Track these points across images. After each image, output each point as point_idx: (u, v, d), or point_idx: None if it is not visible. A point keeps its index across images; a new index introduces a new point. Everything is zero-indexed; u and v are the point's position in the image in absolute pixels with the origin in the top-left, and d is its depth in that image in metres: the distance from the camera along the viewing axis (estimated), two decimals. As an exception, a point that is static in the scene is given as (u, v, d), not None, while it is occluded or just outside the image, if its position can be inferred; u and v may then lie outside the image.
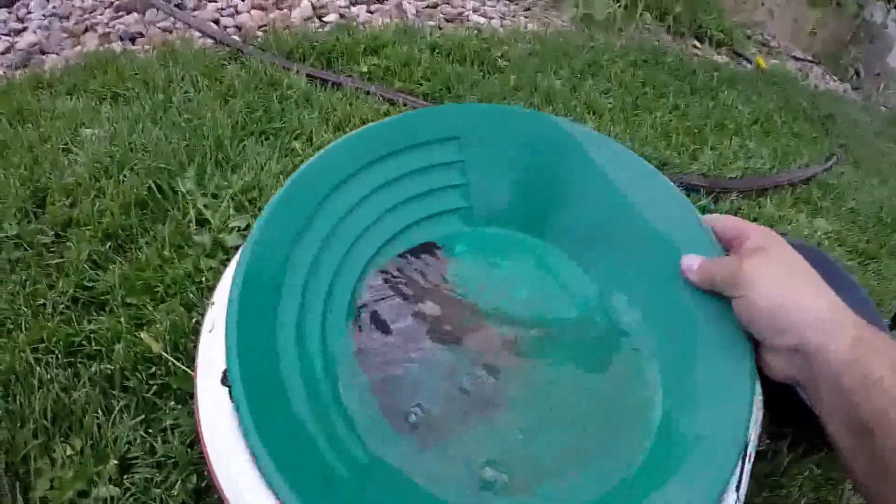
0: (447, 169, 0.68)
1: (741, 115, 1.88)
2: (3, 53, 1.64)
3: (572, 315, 0.63)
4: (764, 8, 3.25)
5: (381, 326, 0.60)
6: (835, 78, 3.55)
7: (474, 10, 2.23)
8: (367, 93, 1.36)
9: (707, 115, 1.77)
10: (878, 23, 3.80)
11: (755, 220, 1.28)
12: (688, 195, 1.24)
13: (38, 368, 0.70)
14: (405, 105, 1.33)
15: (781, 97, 2.26)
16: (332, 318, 0.59)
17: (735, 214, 1.26)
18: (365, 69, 1.49)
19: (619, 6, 2.32)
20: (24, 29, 1.76)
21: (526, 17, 2.31)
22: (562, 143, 0.67)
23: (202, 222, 0.93)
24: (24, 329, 0.76)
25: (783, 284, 0.50)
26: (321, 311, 0.58)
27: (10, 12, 1.87)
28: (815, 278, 0.51)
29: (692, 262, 0.58)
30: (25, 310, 0.78)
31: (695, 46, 2.70)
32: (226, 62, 1.44)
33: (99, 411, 0.67)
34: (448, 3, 2.25)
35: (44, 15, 1.83)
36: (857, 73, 3.73)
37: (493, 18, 2.20)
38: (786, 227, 1.32)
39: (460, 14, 2.17)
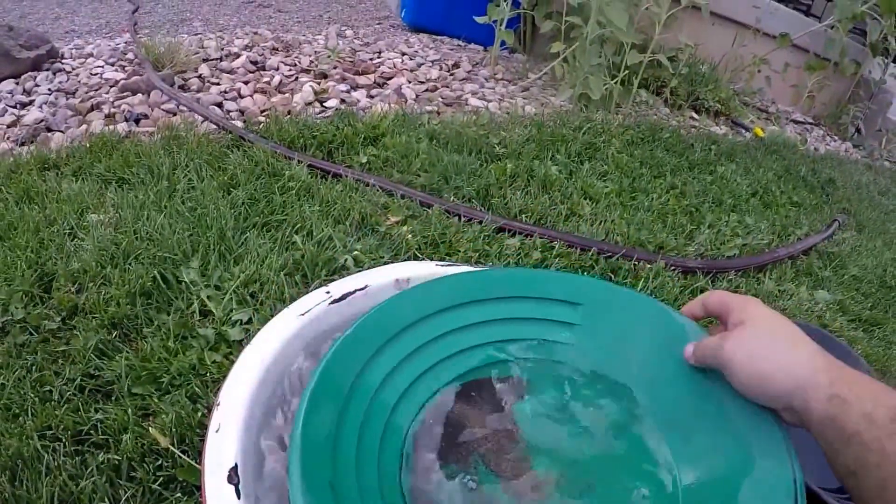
0: (562, 327, 0.74)
1: (739, 189, 1.91)
2: (9, 126, 1.68)
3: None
4: (761, 75, 3.35)
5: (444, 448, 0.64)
6: (835, 138, 3.64)
7: (473, 94, 2.30)
8: (367, 184, 1.40)
9: (705, 192, 1.81)
10: (876, 79, 3.86)
11: (755, 297, 1.30)
12: (685, 278, 1.29)
13: (45, 455, 0.72)
14: (403, 197, 1.37)
15: (781, 165, 2.31)
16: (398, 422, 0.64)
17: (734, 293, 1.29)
18: (364, 160, 1.54)
19: (616, 82, 2.40)
20: (31, 102, 1.81)
21: (524, 99, 2.38)
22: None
23: (205, 313, 0.96)
24: (30, 415, 0.78)
25: (761, 358, 0.56)
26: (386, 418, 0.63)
27: (17, 83, 1.93)
28: (793, 340, 0.56)
29: (689, 347, 0.65)
30: (32, 395, 0.80)
31: (692, 118, 2.77)
32: (228, 150, 1.48)
33: (106, 500, 0.69)
34: (447, 87, 2.33)
35: (49, 89, 1.89)
36: (859, 131, 3.81)
37: (491, 101, 2.27)
38: (786, 301, 1.34)
39: (459, 97, 2.24)
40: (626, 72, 2.42)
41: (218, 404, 0.62)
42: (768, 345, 0.56)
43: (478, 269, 0.77)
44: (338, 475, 0.56)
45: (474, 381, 0.71)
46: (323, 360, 0.60)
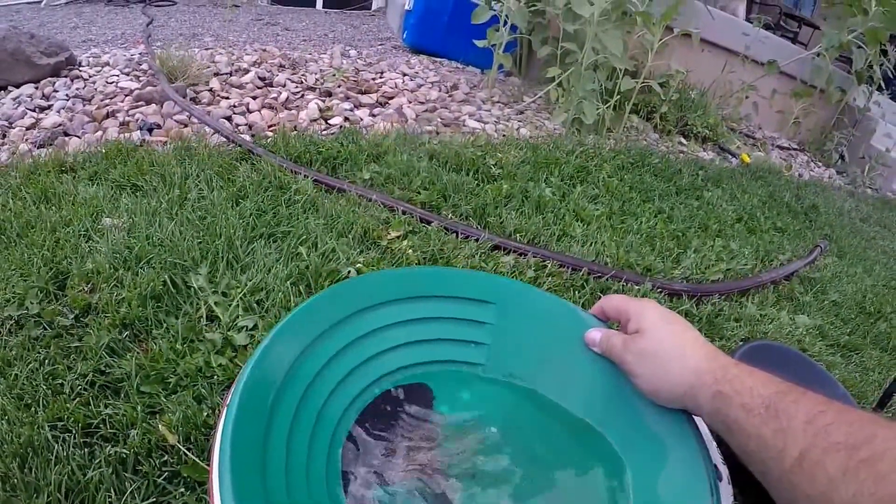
0: (477, 326, 0.77)
1: (725, 214, 1.95)
2: (28, 129, 1.74)
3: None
4: (748, 101, 3.41)
5: (368, 459, 0.66)
6: (819, 164, 3.72)
7: (470, 115, 2.36)
8: (369, 200, 1.44)
9: (691, 217, 1.85)
10: (860, 107, 3.95)
11: (737, 321, 1.34)
12: (670, 300, 1.33)
13: (55, 445, 0.76)
14: (404, 213, 1.41)
15: (766, 191, 2.35)
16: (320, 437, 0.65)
17: (716, 317, 1.32)
18: (367, 176, 1.58)
19: (608, 107, 2.46)
20: (50, 107, 1.87)
21: (519, 122, 2.44)
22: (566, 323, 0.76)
23: (212, 318, 1.00)
24: (42, 406, 0.81)
25: (655, 370, 0.62)
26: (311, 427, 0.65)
27: (36, 87, 1.99)
28: (683, 349, 0.62)
29: (595, 336, 0.70)
30: (44, 388, 0.84)
31: (681, 143, 2.83)
32: (237, 162, 1.53)
33: (112, 491, 0.72)
34: (446, 108, 2.38)
35: (67, 95, 1.95)
36: (843, 157, 3.88)
37: (487, 123, 2.32)
38: (767, 326, 1.36)
39: (457, 118, 2.29)
40: (619, 97, 2.49)
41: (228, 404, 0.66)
42: (660, 357, 0.62)
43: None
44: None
45: (393, 388, 0.73)
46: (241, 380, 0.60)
